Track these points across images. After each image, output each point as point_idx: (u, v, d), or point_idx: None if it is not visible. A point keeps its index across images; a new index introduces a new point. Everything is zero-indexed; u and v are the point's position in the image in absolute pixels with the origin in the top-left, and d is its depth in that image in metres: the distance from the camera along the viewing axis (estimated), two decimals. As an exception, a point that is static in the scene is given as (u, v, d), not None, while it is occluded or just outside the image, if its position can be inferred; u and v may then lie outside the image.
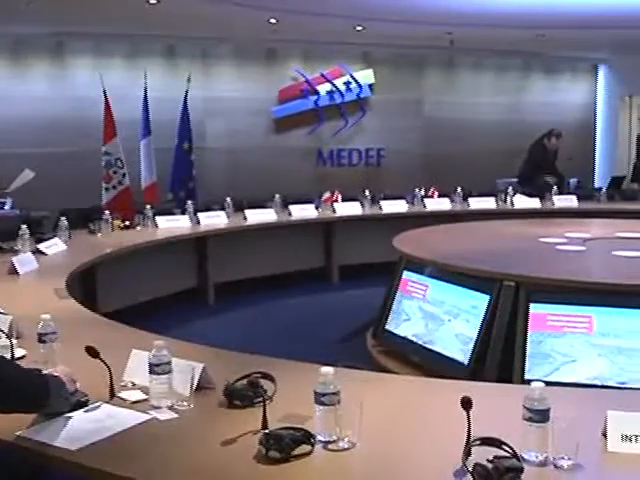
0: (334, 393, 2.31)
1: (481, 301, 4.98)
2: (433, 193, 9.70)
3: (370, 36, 11.14)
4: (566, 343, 4.62)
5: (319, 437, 2.32)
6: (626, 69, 13.79)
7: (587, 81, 14.57)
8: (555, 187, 10.07)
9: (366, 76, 12.50)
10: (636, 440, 2.29)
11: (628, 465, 2.22)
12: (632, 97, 14.32)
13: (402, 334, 5.65)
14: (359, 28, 10.55)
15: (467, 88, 13.29)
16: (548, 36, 11.32)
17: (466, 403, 2.16)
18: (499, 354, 4.79)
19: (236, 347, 3.47)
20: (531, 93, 13.78)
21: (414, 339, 5.50)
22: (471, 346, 4.96)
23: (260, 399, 2.50)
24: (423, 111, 12.98)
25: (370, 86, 12.53)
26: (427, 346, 5.36)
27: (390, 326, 5.82)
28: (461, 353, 5.04)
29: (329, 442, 2.31)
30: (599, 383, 4.36)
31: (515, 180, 10.60)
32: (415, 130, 12.83)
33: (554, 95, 13.82)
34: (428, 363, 5.22)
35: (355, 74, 12.41)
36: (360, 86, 12.44)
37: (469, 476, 2.06)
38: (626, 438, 2.30)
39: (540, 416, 2.17)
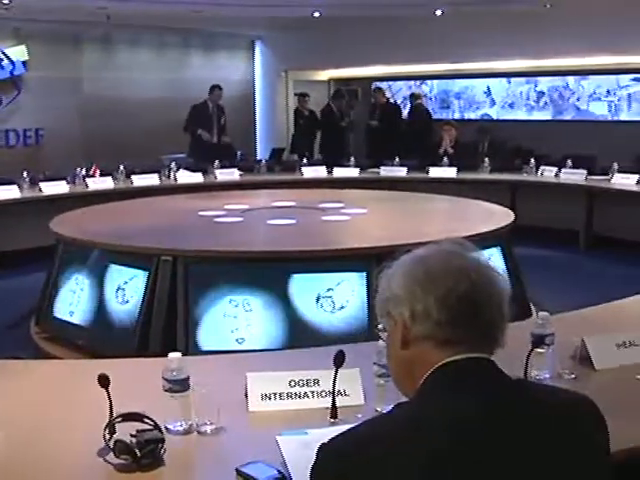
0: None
1: (140, 278, 4.98)
2: (95, 172, 9.48)
3: (19, 10, 10.59)
4: (224, 311, 4.78)
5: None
6: (280, 45, 14.39)
7: (245, 57, 15.00)
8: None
9: (19, 52, 11.89)
10: (274, 398, 2.43)
11: (268, 422, 2.34)
12: (287, 72, 14.96)
13: (65, 318, 5.51)
14: (5, 1, 9.99)
15: (127, 65, 13.11)
16: (204, 13, 11.45)
17: (103, 380, 2.15)
18: (162, 329, 4.83)
19: None
20: (191, 69, 13.88)
21: (79, 322, 5.39)
22: (134, 323, 4.96)
23: None
24: (82, 89, 12.61)
25: (24, 63, 11.95)
26: (93, 328, 5.28)
27: (53, 311, 5.66)
28: (126, 331, 5.02)
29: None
30: (254, 347, 4.57)
31: (180, 155, 10.73)
32: (75, 109, 12.43)
33: (214, 71, 13.97)
34: (95, 346, 5.13)
35: (7, 50, 11.76)
36: (13, 63, 11.82)
37: (111, 453, 2.06)
38: (265, 397, 2.42)
39: (179, 385, 2.21)
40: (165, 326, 4.81)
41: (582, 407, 1.51)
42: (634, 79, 11.93)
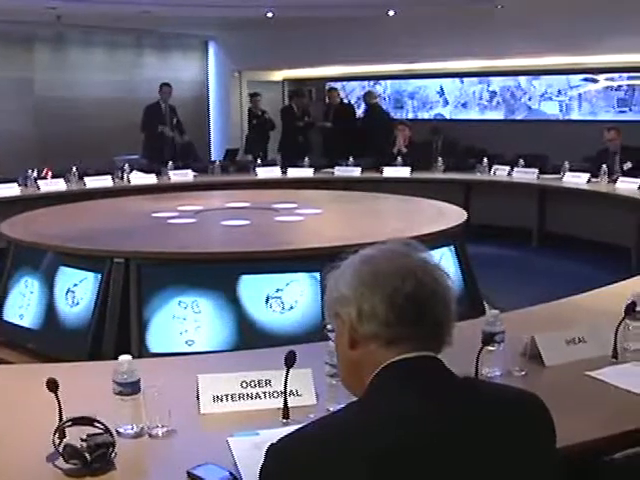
0: None
1: (93, 280, 4.93)
2: (47, 173, 9.36)
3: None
4: (174, 312, 4.76)
5: None
6: (234, 46, 14.31)
7: (198, 57, 14.89)
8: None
9: (-31, 53, 11.73)
10: (226, 399, 2.42)
11: (220, 423, 2.33)
12: (241, 72, 14.91)
13: (15, 322, 5.44)
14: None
15: (79, 65, 12.94)
16: (156, 13, 11.36)
17: (51, 384, 2.12)
18: (116, 331, 4.79)
19: None
20: (144, 70, 13.75)
21: (29, 326, 5.32)
22: (87, 327, 4.91)
23: None
24: (34, 90, 12.44)
25: (-26, 64, 11.77)
26: (43, 332, 5.21)
27: (3, 315, 5.58)
28: (78, 334, 4.96)
29: None
30: (204, 349, 4.55)
31: (133, 156, 10.65)
32: (26, 110, 12.25)
33: (167, 72, 13.82)
34: (46, 349, 5.06)
35: (-43, 51, 11.60)
36: (-37, 64, 11.64)
37: (61, 458, 2.04)
38: (217, 399, 2.41)
39: (130, 388, 2.19)
40: (118, 329, 4.77)
41: (529, 406, 1.52)
42: (584, 79, 12.08)
